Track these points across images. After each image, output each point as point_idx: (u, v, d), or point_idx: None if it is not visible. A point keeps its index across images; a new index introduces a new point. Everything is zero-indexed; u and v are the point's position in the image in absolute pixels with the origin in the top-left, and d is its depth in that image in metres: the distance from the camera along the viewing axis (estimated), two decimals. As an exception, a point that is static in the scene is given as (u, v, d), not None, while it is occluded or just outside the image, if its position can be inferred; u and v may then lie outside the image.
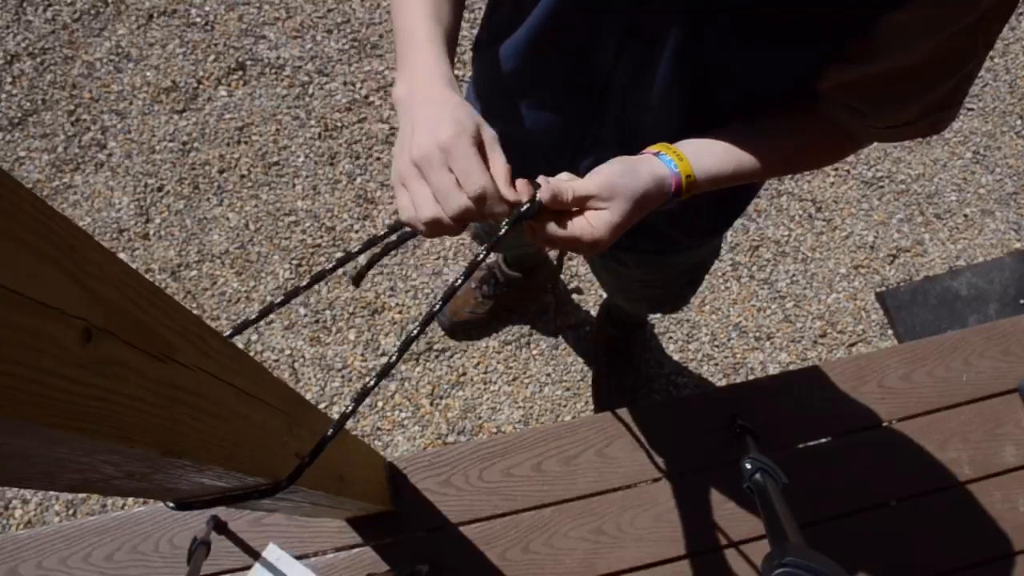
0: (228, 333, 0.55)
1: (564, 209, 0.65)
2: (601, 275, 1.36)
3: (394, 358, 0.60)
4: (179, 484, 0.48)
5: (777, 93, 0.73)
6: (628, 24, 0.69)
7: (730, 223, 1.07)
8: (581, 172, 0.77)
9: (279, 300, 0.60)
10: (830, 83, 0.69)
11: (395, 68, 2.25)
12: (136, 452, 0.36)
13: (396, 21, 0.73)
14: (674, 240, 1.03)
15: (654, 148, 0.72)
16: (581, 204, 0.65)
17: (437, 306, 0.62)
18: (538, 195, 0.63)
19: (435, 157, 0.60)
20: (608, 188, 0.65)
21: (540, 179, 0.64)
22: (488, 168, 0.62)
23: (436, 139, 0.60)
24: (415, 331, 0.62)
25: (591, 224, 0.65)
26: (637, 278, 1.22)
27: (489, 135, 0.64)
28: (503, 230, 0.64)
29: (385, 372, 0.59)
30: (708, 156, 0.72)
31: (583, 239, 0.65)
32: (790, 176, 2.26)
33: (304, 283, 0.62)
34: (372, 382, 0.59)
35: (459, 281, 0.62)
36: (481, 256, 0.64)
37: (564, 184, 0.65)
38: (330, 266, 0.63)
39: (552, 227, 0.65)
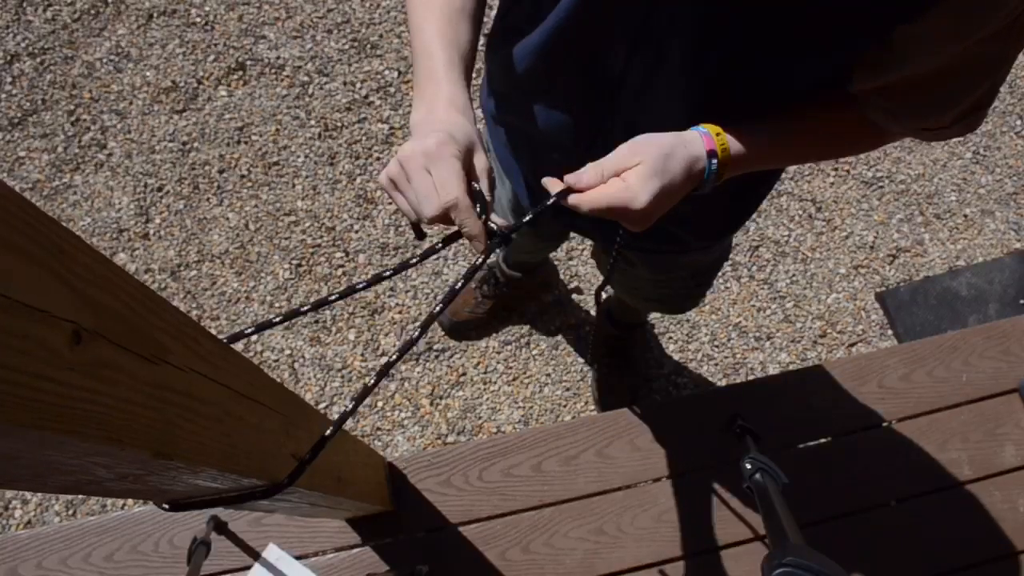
0: (224, 340, 0.54)
1: (597, 185, 0.67)
2: (605, 270, 1.36)
3: (394, 357, 0.60)
4: (173, 486, 0.48)
5: (786, 101, 0.73)
6: (639, 30, 0.69)
7: (739, 224, 1.07)
8: None
9: (277, 318, 0.60)
10: (861, 88, 0.69)
11: (395, 68, 2.25)
12: (127, 454, 0.36)
13: (413, 42, 0.74)
14: (683, 241, 1.02)
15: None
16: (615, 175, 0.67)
17: (438, 308, 0.63)
18: (495, 229, 0.65)
19: (417, 159, 0.62)
20: (632, 149, 0.67)
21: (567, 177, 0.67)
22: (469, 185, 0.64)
23: (423, 144, 0.62)
24: (416, 334, 0.62)
25: (624, 181, 0.66)
26: (645, 277, 1.22)
27: (481, 163, 0.66)
28: (460, 284, 0.65)
29: (384, 373, 0.59)
30: (737, 127, 0.72)
31: (620, 198, 0.66)
32: (797, 171, 2.25)
33: (306, 307, 0.62)
34: (372, 382, 0.59)
35: (459, 284, 0.63)
36: (480, 260, 0.64)
37: (585, 169, 0.67)
38: (362, 285, 0.64)
39: (584, 195, 0.67)
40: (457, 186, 0.61)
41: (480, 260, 0.64)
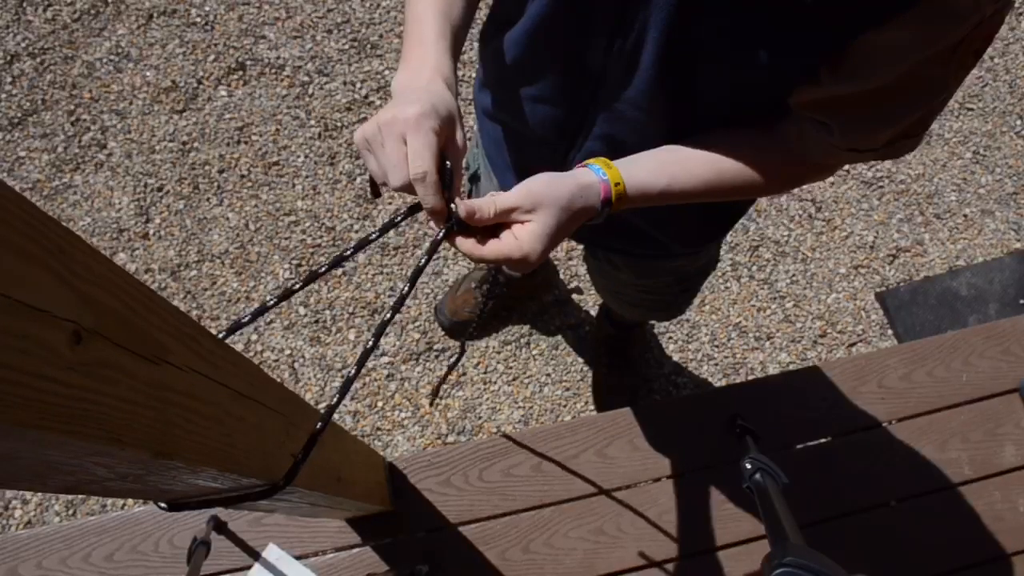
0: (222, 334, 0.54)
1: (488, 224, 0.66)
2: (595, 278, 1.36)
3: (371, 343, 0.61)
4: (174, 486, 0.48)
5: (758, 98, 0.73)
6: (616, 23, 0.69)
7: (724, 232, 1.07)
8: (572, 166, 0.77)
9: (272, 301, 0.60)
10: (806, 99, 0.69)
11: (395, 68, 2.25)
12: (127, 454, 0.36)
13: (408, 9, 0.74)
14: (666, 246, 1.02)
15: (585, 161, 0.72)
16: (505, 218, 0.66)
17: (407, 288, 0.63)
18: (453, 211, 0.64)
19: (397, 125, 0.62)
20: (530, 198, 0.65)
21: (457, 200, 0.65)
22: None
23: (404, 111, 0.62)
24: (388, 315, 0.63)
25: (517, 238, 0.66)
26: (629, 282, 1.22)
27: (460, 139, 0.66)
28: (423, 261, 0.65)
29: (363, 360, 0.60)
30: (640, 168, 0.72)
31: (511, 256, 0.65)
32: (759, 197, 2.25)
33: (298, 285, 0.62)
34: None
35: (424, 261, 0.65)
36: (440, 236, 0.65)
37: (482, 201, 0.65)
38: (324, 269, 0.64)
39: (471, 244, 0.66)
40: (429, 160, 0.61)
41: (440, 236, 0.65)
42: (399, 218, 0.67)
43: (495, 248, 0.66)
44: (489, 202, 0.65)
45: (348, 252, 0.65)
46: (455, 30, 0.73)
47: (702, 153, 0.74)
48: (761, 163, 0.76)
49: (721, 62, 0.67)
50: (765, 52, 0.64)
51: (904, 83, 0.62)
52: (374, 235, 0.66)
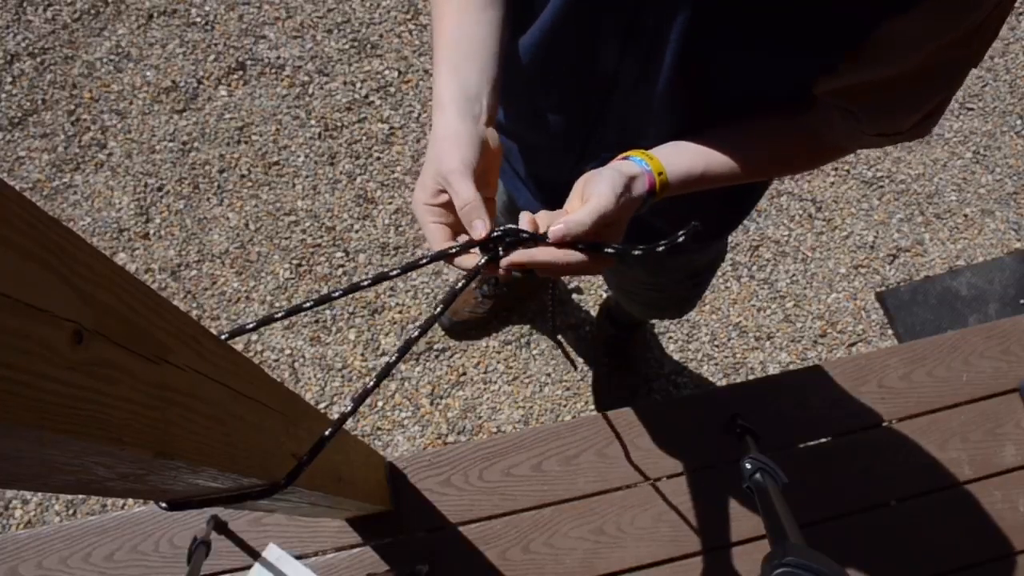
0: (224, 336, 0.54)
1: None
2: (607, 276, 1.36)
3: (393, 359, 0.60)
4: (174, 485, 0.48)
5: (778, 95, 0.73)
6: (630, 26, 0.68)
7: (734, 226, 1.07)
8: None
9: (279, 314, 0.60)
10: (827, 88, 0.69)
11: (395, 68, 2.25)
12: (128, 454, 0.36)
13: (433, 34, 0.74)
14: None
15: (626, 153, 0.72)
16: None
17: (438, 309, 0.62)
18: (549, 233, 0.63)
19: (416, 211, 0.68)
20: (603, 220, 0.64)
21: (533, 219, 0.66)
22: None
23: (414, 197, 0.69)
24: (415, 333, 0.62)
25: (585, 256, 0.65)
26: (640, 279, 1.22)
27: (466, 193, 0.64)
28: (460, 285, 0.65)
29: (384, 374, 0.59)
30: (678, 156, 0.72)
31: (584, 272, 0.66)
32: (787, 176, 2.26)
33: (308, 304, 0.61)
34: (372, 383, 0.59)
35: (460, 285, 0.63)
36: (482, 262, 0.64)
37: (555, 230, 0.64)
38: (338, 293, 0.62)
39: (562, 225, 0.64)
40: (438, 242, 0.65)
41: (482, 262, 0.64)
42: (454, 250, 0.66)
43: (578, 213, 0.65)
44: (562, 230, 0.63)
45: (395, 272, 0.65)
46: (471, 53, 0.70)
47: (730, 140, 0.74)
48: (786, 147, 0.77)
49: (741, 62, 0.67)
50: (787, 49, 0.64)
51: (928, 67, 0.62)
52: (424, 261, 0.65)
